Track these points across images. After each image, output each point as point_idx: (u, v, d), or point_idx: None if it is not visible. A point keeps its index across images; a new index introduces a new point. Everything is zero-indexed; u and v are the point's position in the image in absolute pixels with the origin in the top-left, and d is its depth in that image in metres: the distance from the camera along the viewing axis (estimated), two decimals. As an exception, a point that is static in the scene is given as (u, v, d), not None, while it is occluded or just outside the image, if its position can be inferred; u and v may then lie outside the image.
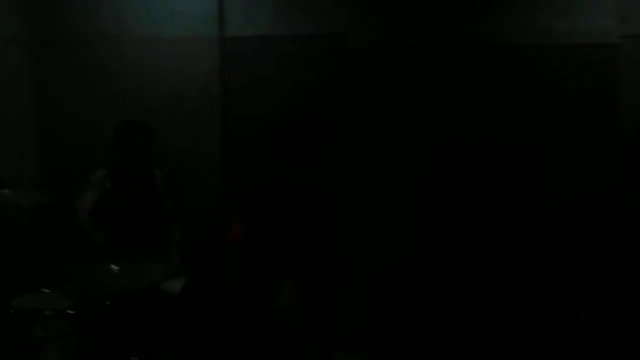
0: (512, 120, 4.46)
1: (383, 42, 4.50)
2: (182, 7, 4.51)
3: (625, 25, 4.44)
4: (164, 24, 4.51)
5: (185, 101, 4.51)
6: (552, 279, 4.34)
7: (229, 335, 2.76)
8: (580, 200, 4.46)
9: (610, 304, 4.17)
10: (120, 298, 3.33)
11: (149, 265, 3.44)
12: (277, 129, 3.11)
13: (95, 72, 4.54)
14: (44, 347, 3.21)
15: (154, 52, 4.52)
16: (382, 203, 4.47)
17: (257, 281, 2.69)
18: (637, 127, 4.36)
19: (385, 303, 4.36)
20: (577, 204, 4.46)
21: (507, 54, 4.49)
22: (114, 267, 3.35)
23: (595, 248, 4.38)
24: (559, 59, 4.49)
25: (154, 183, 4.07)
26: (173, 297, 3.49)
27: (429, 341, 4.06)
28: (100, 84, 4.53)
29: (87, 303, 3.32)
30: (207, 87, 4.50)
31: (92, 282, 3.29)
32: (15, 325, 3.26)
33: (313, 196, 2.91)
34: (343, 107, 4.44)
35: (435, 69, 4.48)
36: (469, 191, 4.46)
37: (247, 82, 4.53)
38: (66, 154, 4.53)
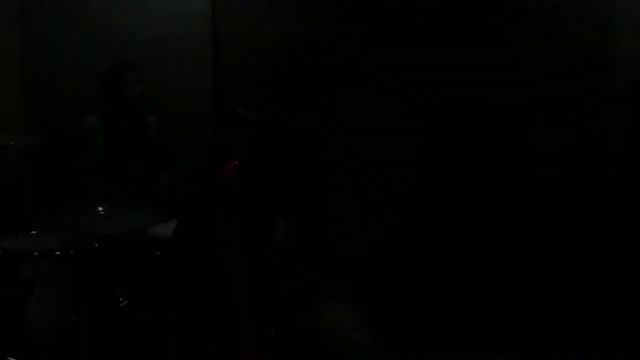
0: (507, 75, 4.44)
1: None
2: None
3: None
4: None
5: (175, 42, 4.41)
6: (546, 241, 4.35)
7: (225, 273, 2.76)
8: (575, 159, 4.47)
9: (603, 260, 4.20)
10: (108, 240, 3.33)
11: (139, 209, 3.44)
12: (276, 71, 3.05)
13: (83, 12, 4.43)
14: (32, 288, 3.21)
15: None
16: (375, 153, 4.46)
17: (252, 216, 2.69)
18: (633, 84, 4.35)
19: (374, 256, 4.39)
20: (572, 162, 4.47)
21: (503, 6, 4.44)
22: (101, 209, 3.35)
23: (588, 206, 4.40)
24: (556, 12, 4.45)
25: (147, 129, 4.02)
26: (163, 240, 3.48)
27: (415, 298, 4.09)
28: (88, 25, 4.43)
29: (75, 245, 3.31)
30: (197, 28, 4.41)
31: (80, 225, 3.30)
32: (2, 266, 3.25)
33: (309, 138, 2.88)
34: (337, 52, 4.39)
35: (432, 18, 4.42)
36: (462, 145, 4.45)
37: (238, 23, 4.42)
38: (52, 96, 4.46)
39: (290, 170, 2.67)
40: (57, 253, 3.26)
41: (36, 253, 3.22)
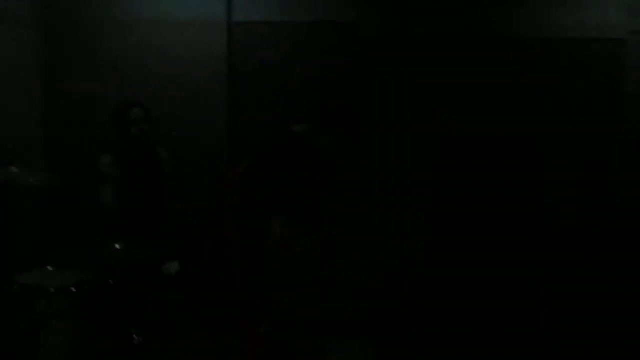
0: (519, 114, 4.48)
1: (394, 32, 4.51)
2: (190, -9, 4.52)
3: (634, 20, 4.45)
4: (172, 8, 4.51)
5: (192, 86, 4.51)
6: (555, 275, 4.34)
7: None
8: (585, 195, 4.47)
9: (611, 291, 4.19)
10: (123, 277, 3.36)
11: (151, 244, 3.48)
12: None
13: (103, 57, 4.54)
14: (47, 324, 3.24)
15: (162, 36, 4.53)
16: (389, 191, 4.50)
17: (252, 212, 2.79)
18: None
19: (385, 289, 4.38)
20: (582, 199, 4.47)
21: (516, 47, 4.50)
22: (117, 245, 3.40)
23: (598, 243, 4.39)
24: (567, 53, 4.50)
25: (159, 162, 4.10)
26: (170, 277, 3.52)
27: (428, 332, 4.07)
28: (108, 68, 4.54)
29: (91, 281, 3.35)
30: (213, 72, 4.50)
31: (95, 260, 3.34)
32: (18, 301, 3.28)
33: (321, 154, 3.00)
34: (350, 95, 4.46)
35: (445, 61, 4.49)
36: (475, 183, 4.47)
37: (254, 68, 4.53)
38: (71, 137, 4.55)
39: (294, 176, 2.79)
40: (72, 289, 3.30)
41: (52, 289, 3.26)
